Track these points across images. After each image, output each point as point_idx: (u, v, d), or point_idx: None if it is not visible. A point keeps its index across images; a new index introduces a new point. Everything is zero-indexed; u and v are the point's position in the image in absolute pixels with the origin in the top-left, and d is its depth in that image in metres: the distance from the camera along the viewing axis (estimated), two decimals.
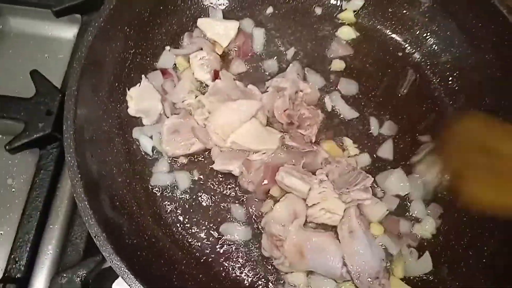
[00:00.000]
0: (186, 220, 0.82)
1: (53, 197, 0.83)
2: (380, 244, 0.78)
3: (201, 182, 0.85)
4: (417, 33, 0.96)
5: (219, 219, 0.82)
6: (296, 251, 0.74)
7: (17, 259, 0.77)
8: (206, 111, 0.85)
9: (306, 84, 0.88)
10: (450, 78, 0.93)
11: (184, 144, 0.83)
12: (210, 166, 0.83)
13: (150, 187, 0.83)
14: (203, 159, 0.86)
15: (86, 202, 0.64)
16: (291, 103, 0.85)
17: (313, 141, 0.84)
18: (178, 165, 0.86)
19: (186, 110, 0.87)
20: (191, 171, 0.85)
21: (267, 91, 0.87)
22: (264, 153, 0.81)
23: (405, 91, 0.92)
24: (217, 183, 0.84)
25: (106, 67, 0.80)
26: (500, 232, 0.76)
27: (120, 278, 0.78)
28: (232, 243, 0.80)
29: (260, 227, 0.80)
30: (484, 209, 0.73)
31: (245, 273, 0.78)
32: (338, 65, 0.94)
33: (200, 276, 0.75)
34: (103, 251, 0.61)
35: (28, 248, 0.78)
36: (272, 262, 0.77)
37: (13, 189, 0.87)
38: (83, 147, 0.70)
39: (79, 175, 0.65)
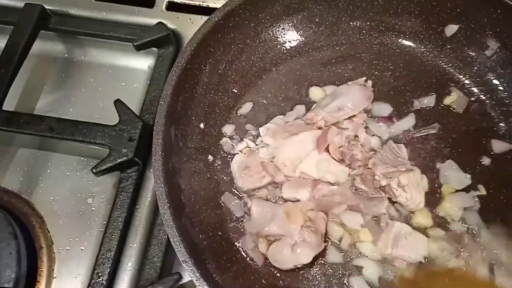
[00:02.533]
0: None
1: (132, 218, 0.91)
2: None
3: None
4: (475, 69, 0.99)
5: None
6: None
7: (100, 275, 0.84)
8: (271, 149, 0.90)
9: (365, 134, 0.92)
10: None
11: (256, 178, 0.88)
12: (279, 196, 0.88)
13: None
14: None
15: (174, 229, 0.70)
16: (347, 141, 0.90)
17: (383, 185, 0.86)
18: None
19: (250, 149, 0.93)
20: None
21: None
22: (334, 184, 0.86)
23: None
24: None
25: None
26: None
27: None
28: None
29: None
30: None
31: None
32: None
33: None
34: (191, 274, 0.67)
35: (110, 265, 0.85)
36: None
37: (92, 208, 0.95)
38: (168, 176, 0.77)
39: (167, 204, 0.72)
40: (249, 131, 0.96)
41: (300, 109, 0.97)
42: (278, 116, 0.96)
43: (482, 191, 0.87)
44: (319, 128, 0.91)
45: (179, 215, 0.75)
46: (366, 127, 0.94)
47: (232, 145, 0.94)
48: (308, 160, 0.88)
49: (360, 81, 0.97)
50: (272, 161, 0.89)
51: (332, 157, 0.88)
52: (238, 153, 0.93)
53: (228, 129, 0.96)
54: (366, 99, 0.95)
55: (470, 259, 0.81)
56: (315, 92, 0.99)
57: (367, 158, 0.89)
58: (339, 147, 0.89)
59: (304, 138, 0.90)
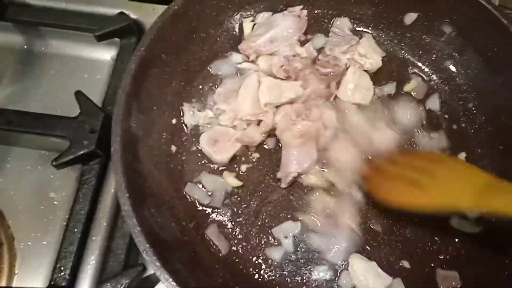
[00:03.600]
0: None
1: (95, 210, 0.89)
2: None
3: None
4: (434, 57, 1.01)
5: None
6: None
7: (62, 269, 0.83)
8: (230, 113, 0.91)
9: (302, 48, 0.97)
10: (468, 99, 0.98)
11: (229, 146, 0.90)
12: None
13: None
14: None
15: (134, 219, 0.69)
16: (286, 60, 0.95)
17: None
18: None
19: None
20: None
21: None
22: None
23: None
24: None
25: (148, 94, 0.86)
26: None
27: (156, 286, 0.85)
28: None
29: None
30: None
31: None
32: None
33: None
34: (151, 265, 0.67)
35: (72, 258, 0.83)
36: None
37: (55, 202, 0.93)
38: (128, 166, 0.76)
39: (127, 194, 0.71)
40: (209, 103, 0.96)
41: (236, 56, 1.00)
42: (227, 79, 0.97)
43: None
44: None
45: (141, 206, 0.75)
46: None
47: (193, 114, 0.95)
48: (262, 93, 0.90)
49: (296, 10, 1.00)
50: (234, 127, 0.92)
51: (280, 78, 0.93)
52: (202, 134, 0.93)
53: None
54: (299, 30, 0.99)
55: None
56: (247, 26, 1.01)
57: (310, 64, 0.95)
58: (281, 66, 0.93)
59: (250, 83, 0.91)
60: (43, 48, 1.09)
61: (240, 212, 0.89)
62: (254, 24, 1.01)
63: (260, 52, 0.97)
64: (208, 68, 0.99)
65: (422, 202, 0.76)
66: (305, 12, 0.99)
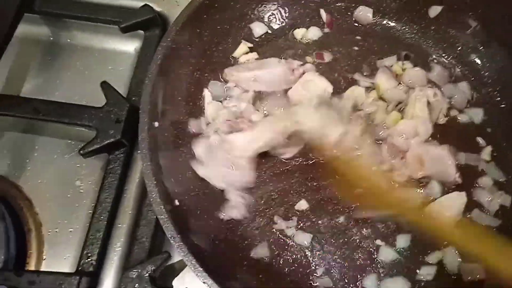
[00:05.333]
0: None
1: (121, 199, 0.91)
2: None
3: None
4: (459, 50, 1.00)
5: None
6: (417, 160, 0.85)
7: (89, 255, 0.85)
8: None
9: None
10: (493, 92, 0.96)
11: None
12: None
13: None
14: None
15: (162, 205, 0.71)
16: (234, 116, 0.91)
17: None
18: None
19: None
20: None
21: None
22: None
23: None
24: None
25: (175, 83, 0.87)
26: None
27: (180, 274, 0.86)
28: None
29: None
30: None
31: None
32: None
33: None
34: (178, 250, 0.68)
35: (99, 245, 0.85)
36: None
37: (81, 190, 0.95)
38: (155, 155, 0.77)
39: (155, 182, 0.73)
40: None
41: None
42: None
43: None
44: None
45: (166, 193, 0.76)
46: None
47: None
48: None
49: (294, 63, 0.95)
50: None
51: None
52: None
53: None
54: (285, 83, 0.94)
55: None
56: (241, 48, 0.99)
57: None
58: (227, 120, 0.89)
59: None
60: (68, 40, 1.11)
61: None
62: (250, 48, 0.99)
63: (239, 83, 0.94)
64: (231, 59, 1.00)
65: None
66: (301, 69, 0.95)
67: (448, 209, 0.84)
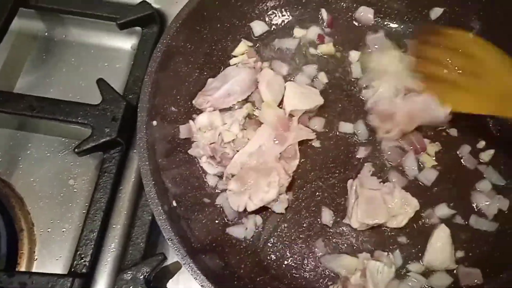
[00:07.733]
0: None
1: (115, 199, 0.89)
2: None
3: None
4: None
5: None
6: (407, 116, 0.88)
7: (82, 256, 0.83)
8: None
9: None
10: None
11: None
12: None
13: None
14: None
15: (160, 206, 0.69)
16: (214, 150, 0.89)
17: None
18: None
19: None
20: None
21: None
22: None
23: None
24: None
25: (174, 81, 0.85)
26: None
27: (175, 277, 0.85)
28: None
29: None
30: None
31: None
32: None
33: None
34: (176, 252, 0.66)
35: (93, 246, 0.83)
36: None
37: (74, 190, 0.93)
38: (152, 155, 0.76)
39: (153, 182, 0.71)
40: None
41: None
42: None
43: None
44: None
45: (164, 194, 0.74)
46: None
47: None
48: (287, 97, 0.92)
49: (250, 62, 0.95)
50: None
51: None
52: None
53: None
54: (253, 83, 0.93)
55: None
56: (241, 46, 0.99)
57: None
58: (210, 144, 0.87)
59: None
60: (64, 36, 1.09)
61: None
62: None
63: (216, 106, 0.91)
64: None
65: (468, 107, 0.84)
66: (259, 64, 0.95)
67: None
